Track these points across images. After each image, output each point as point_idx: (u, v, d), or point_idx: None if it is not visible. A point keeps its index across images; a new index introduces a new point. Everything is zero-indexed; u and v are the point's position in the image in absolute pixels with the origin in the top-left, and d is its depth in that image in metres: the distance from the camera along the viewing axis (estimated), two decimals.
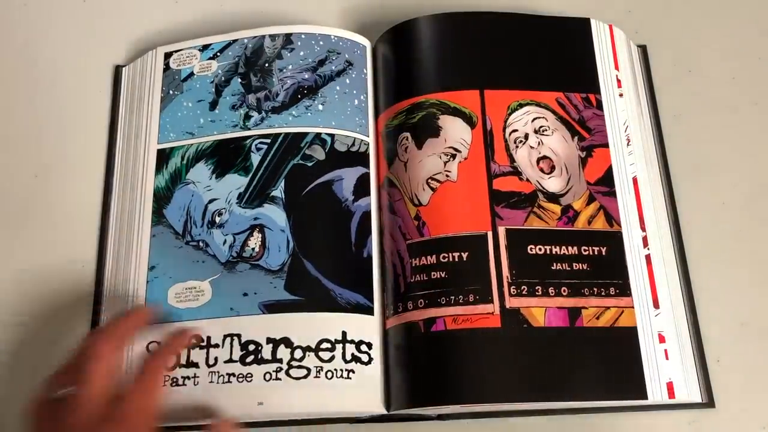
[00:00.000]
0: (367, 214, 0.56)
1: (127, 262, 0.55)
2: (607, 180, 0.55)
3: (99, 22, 0.66)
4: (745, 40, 0.65)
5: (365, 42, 0.62)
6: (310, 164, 0.56)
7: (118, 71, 0.63)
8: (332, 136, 0.57)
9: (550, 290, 0.51)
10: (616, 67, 0.60)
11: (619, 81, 0.59)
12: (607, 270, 0.52)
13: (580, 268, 0.52)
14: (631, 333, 0.50)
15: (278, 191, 0.56)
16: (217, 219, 0.56)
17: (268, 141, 0.57)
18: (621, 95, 0.59)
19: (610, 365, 0.50)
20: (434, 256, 0.52)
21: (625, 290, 0.52)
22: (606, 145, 0.56)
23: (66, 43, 0.65)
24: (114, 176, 0.59)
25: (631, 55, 0.62)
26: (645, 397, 0.49)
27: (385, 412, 0.51)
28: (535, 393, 0.48)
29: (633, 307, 0.51)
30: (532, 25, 0.60)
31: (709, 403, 0.52)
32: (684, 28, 0.66)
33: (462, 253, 0.52)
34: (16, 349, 0.54)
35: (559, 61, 0.59)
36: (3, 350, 0.54)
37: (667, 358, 0.50)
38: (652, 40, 0.64)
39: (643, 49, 0.64)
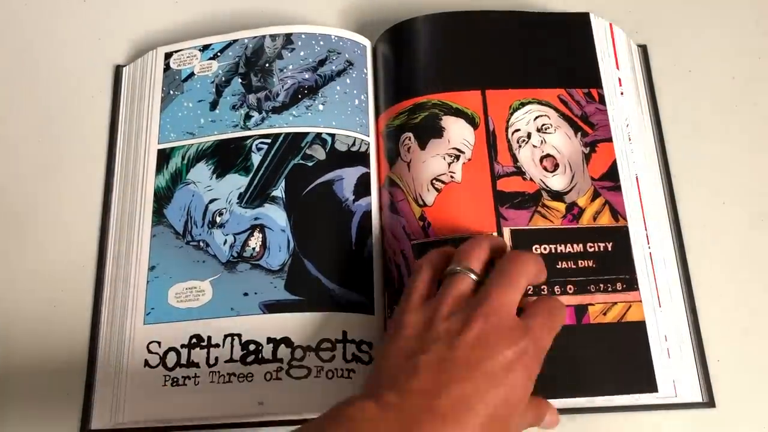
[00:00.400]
0: (367, 214, 0.56)
1: (127, 262, 0.55)
2: (611, 174, 0.55)
3: (99, 22, 0.66)
4: (745, 40, 0.65)
5: (365, 42, 0.62)
6: (310, 164, 0.56)
7: (118, 71, 0.63)
8: (333, 135, 0.57)
9: (556, 289, 0.51)
10: (617, 66, 0.60)
11: (619, 80, 0.59)
12: (614, 265, 0.52)
13: (586, 265, 0.52)
14: (640, 327, 0.50)
15: (279, 191, 0.56)
16: (218, 219, 0.55)
17: (269, 141, 0.57)
18: (622, 94, 0.59)
19: (619, 360, 0.50)
20: None
21: (632, 284, 0.52)
22: (610, 140, 0.56)
23: (66, 43, 0.65)
24: (114, 176, 0.59)
25: (632, 55, 0.62)
26: (655, 390, 0.49)
27: None
28: (544, 392, 0.48)
29: (641, 301, 0.51)
30: (531, 23, 0.60)
31: (709, 402, 0.52)
32: (684, 28, 0.66)
33: None
34: (16, 350, 0.54)
35: (560, 57, 0.59)
36: (2, 350, 0.54)
37: (669, 357, 0.51)
38: (652, 39, 0.64)
39: (643, 49, 0.64)
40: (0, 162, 0.60)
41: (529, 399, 0.42)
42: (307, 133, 0.57)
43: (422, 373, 0.39)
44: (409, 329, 0.42)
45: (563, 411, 0.52)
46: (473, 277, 0.45)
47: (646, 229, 0.54)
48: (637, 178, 0.56)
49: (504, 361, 0.40)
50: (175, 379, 0.51)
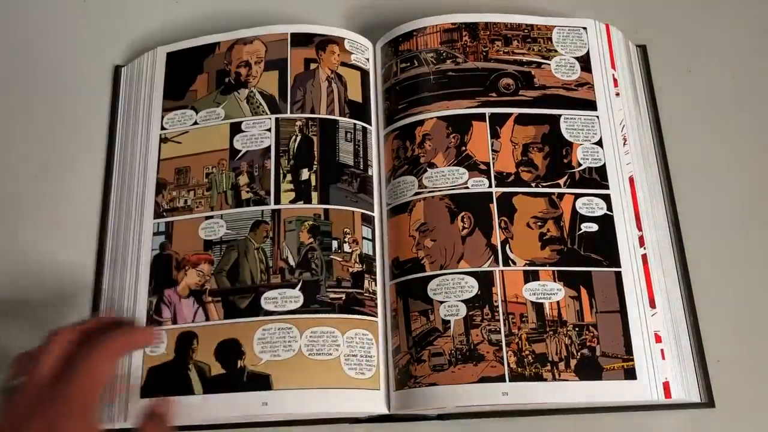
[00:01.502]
0: None
1: (126, 262, 0.55)
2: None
3: (99, 22, 0.66)
4: (745, 40, 0.65)
5: (368, 43, 0.62)
6: None
7: (117, 71, 0.63)
8: None
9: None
10: (613, 67, 0.60)
11: (615, 80, 0.59)
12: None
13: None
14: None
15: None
16: None
17: None
18: (617, 94, 0.59)
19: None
20: None
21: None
22: None
23: (66, 43, 0.65)
24: (114, 176, 0.59)
25: (630, 55, 0.62)
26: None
27: (386, 411, 0.51)
28: None
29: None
30: None
31: (709, 402, 0.52)
32: (684, 28, 0.66)
33: None
34: (15, 349, 0.54)
35: None
36: (2, 350, 0.54)
37: (663, 358, 0.51)
38: (652, 40, 0.64)
39: (642, 49, 0.64)
40: (0, 162, 0.60)
41: None
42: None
43: None
44: None
45: (563, 411, 0.52)
46: None
47: (640, 230, 0.54)
48: (631, 179, 0.56)
49: None
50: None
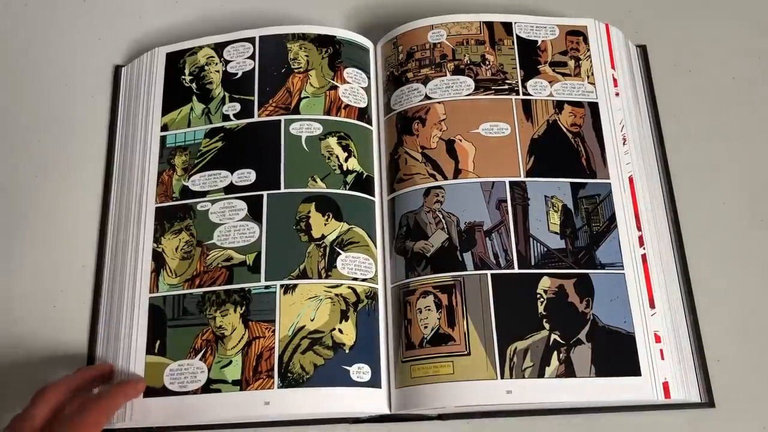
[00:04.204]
0: None
1: (126, 262, 0.55)
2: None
3: (99, 22, 0.66)
4: (745, 40, 0.65)
5: (368, 43, 0.62)
6: None
7: (117, 71, 0.63)
8: None
9: None
10: (612, 66, 0.60)
11: (615, 80, 0.60)
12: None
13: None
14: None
15: None
16: None
17: None
18: (617, 94, 0.59)
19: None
20: None
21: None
22: None
23: (66, 43, 0.65)
24: (113, 176, 0.59)
25: (630, 55, 0.62)
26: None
27: (387, 411, 0.51)
28: None
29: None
30: None
31: (709, 402, 0.52)
32: (684, 28, 0.66)
33: None
34: (16, 349, 0.54)
35: None
36: (2, 350, 0.54)
37: (662, 358, 0.51)
38: (652, 40, 0.64)
39: (642, 49, 0.64)
40: (0, 162, 0.60)
41: None
42: None
43: None
44: None
45: (563, 411, 0.52)
46: None
47: (640, 230, 0.55)
48: (631, 179, 0.56)
49: None
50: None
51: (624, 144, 0.57)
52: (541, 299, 0.52)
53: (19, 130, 0.62)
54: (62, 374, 0.49)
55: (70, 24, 0.66)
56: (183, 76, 0.60)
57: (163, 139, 0.58)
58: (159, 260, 0.55)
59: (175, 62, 0.61)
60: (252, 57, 0.60)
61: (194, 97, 0.59)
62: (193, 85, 0.59)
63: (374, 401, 0.51)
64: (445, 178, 0.55)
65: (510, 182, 0.55)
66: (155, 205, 0.56)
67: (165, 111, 0.60)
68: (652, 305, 0.52)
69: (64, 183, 0.60)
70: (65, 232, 0.58)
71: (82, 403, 0.46)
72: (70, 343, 0.54)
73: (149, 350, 0.52)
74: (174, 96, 0.60)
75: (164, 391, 0.50)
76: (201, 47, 0.61)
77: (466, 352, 0.50)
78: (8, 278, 0.56)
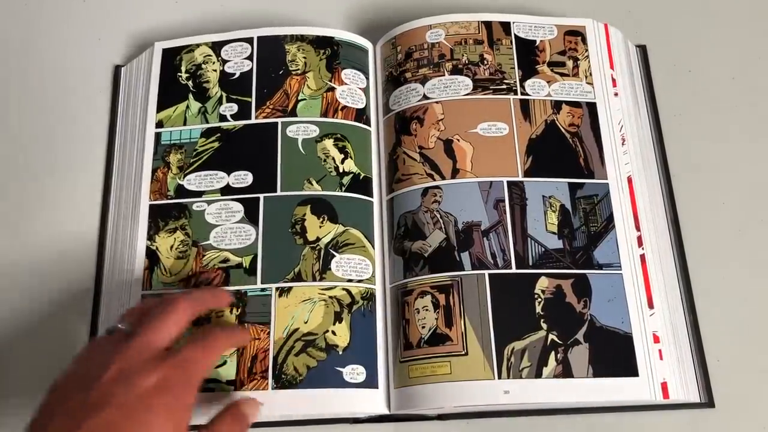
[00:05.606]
0: None
1: (126, 262, 0.55)
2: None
3: (99, 21, 0.66)
4: (745, 40, 0.65)
5: (367, 44, 0.62)
6: None
7: (117, 71, 0.64)
8: None
9: None
10: (611, 66, 0.60)
11: (614, 80, 0.59)
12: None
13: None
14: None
15: None
16: None
17: None
18: (616, 94, 0.59)
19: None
20: None
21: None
22: None
23: (66, 43, 0.65)
24: (113, 174, 0.60)
25: (629, 55, 0.62)
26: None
27: (386, 412, 0.51)
28: None
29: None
30: None
31: (708, 403, 0.52)
32: (684, 28, 0.66)
33: None
34: (16, 345, 0.55)
35: None
36: (3, 345, 0.55)
37: (661, 359, 0.51)
38: (652, 40, 0.64)
39: (642, 49, 0.64)
40: (0, 161, 0.61)
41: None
42: None
43: (57, 418, 0.40)
44: (69, 376, 0.43)
45: (564, 411, 0.52)
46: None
47: (639, 230, 0.54)
48: (629, 179, 0.56)
49: (139, 392, 0.40)
50: None
51: (623, 144, 0.57)
52: (539, 299, 0.52)
53: (19, 130, 0.62)
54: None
55: (70, 24, 0.66)
56: (179, 73, 0.60)
57: (158, 135, 0.58)
58: (153, 258, 0.55)
59: (171, 58, 0.61)
60: (250, 58, 0.60)
61: (190, 95, 0.59)
62: (190, 83, 0.60)
63: (371, 402, 0.51)
64: (443, 178, 0.55)
65: (508, 182, 0.55)
66: (149, 203, 0.56)
67: (160, 107, 0.59)
68: (650, 305, 0.52)
69: (63, 182, 0.60)
70: (65, 231, 0.58)
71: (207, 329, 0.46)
72: (71, 341, 0.55)
73: None
74: (170, 93, 0.60)
75: None
76: (198, 45, 0.61)
77: (463, 353, 0.50)
78: (8, 276, 0.57)
